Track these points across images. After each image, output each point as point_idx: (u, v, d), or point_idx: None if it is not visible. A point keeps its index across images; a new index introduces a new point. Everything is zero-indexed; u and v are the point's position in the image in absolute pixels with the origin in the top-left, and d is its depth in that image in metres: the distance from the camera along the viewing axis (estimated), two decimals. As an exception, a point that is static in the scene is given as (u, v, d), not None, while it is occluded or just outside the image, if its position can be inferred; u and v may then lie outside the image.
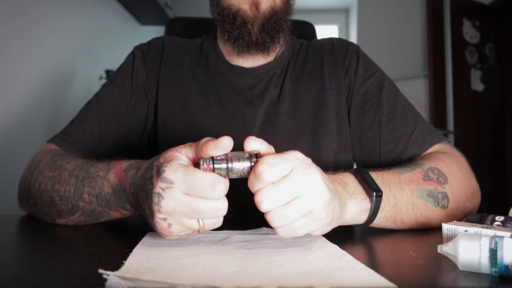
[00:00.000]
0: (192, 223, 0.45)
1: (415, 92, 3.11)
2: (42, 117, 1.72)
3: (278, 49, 0.82)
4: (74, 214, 0.61)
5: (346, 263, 0.41)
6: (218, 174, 0.44)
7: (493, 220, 0.51)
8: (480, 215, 0.52)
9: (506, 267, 0.36)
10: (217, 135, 0.45)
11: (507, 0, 3.06)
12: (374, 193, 0.54)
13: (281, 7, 0.75)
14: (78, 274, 0.38)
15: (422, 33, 3.27)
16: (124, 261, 0.41)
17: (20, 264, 0.43)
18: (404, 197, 0.59)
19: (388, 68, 1.09)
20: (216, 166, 0.44)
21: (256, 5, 0.72)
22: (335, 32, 4.20)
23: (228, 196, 0.45)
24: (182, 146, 0.48)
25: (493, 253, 0.36)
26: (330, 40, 0.87)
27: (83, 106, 0.81)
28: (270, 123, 0.78)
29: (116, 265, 0.40)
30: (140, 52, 0.84)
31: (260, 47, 0.76)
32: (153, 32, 2.99)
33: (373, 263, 0.43)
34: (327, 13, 4.17)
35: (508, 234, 0.40)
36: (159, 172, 0.45)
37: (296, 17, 0.85)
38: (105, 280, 0.34)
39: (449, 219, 0.61)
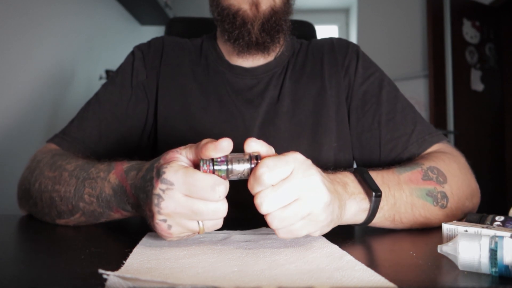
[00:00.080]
0: (192, 225, 0.45)
1: (415, 92, 3.11)
2: (42, 117, 1.72)
3: (278, 49, 0.82)
4: (74, 214, 0.61)
5: (346, 263, 0.41)
6: (218, 175, 0.44)
7: (493, 220, 0.51)
8: (480, 215, 0.52)
9: (506, 267, 0.36)
10: (217, 135, 0.45)
11: (507, 0, 3.06)
12: (373, 193, 0.54)
13: (281, 7, 0.75)
14: (78, 274, 0.38)
15: (422, 33, 3.27)
16: (124, 261, 0.41)
17: (20, 264, 0.43)
18: (403, 197, 0.59)
19: (388, 68, 1.09)
20: (216, 168, 0.44)
21: (256, 5, 0.72)
22: (335, 32, 4.20)
23: (228, 196, 0.45)
24: (182, 147, 0.48)
25: (493, 253, 0.36)
26: (330, 40, 0.87)
27: (83, 106, 0.81)
28: (270, 123, 0.78)
29: (116, 265, 0.40)
30: (140, 52, 0.84)
31: (260, 47, 0.76)
32: (153, 32, 2.98)
33: (373, 263, 0.43)
34: (327, 13, 4.17)
35: (508, 234, 0.40)
36: (159, 174, 0.45)
37: (296, 17, 0.85)
38: (105, 280, 0.34)
39: (448, 218, 0.61)
